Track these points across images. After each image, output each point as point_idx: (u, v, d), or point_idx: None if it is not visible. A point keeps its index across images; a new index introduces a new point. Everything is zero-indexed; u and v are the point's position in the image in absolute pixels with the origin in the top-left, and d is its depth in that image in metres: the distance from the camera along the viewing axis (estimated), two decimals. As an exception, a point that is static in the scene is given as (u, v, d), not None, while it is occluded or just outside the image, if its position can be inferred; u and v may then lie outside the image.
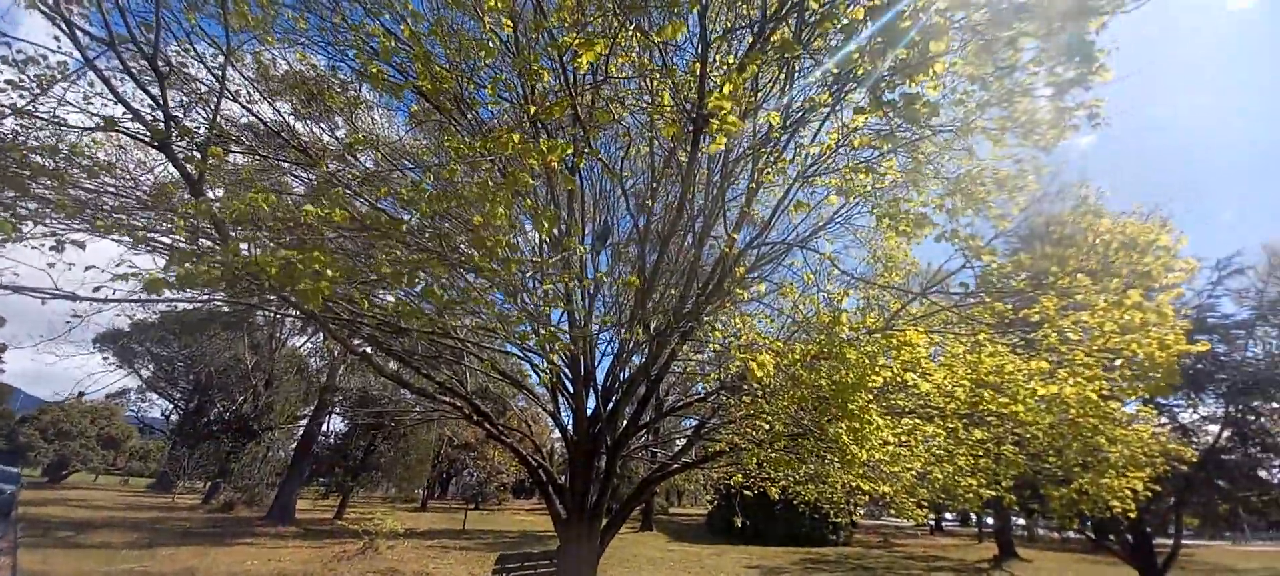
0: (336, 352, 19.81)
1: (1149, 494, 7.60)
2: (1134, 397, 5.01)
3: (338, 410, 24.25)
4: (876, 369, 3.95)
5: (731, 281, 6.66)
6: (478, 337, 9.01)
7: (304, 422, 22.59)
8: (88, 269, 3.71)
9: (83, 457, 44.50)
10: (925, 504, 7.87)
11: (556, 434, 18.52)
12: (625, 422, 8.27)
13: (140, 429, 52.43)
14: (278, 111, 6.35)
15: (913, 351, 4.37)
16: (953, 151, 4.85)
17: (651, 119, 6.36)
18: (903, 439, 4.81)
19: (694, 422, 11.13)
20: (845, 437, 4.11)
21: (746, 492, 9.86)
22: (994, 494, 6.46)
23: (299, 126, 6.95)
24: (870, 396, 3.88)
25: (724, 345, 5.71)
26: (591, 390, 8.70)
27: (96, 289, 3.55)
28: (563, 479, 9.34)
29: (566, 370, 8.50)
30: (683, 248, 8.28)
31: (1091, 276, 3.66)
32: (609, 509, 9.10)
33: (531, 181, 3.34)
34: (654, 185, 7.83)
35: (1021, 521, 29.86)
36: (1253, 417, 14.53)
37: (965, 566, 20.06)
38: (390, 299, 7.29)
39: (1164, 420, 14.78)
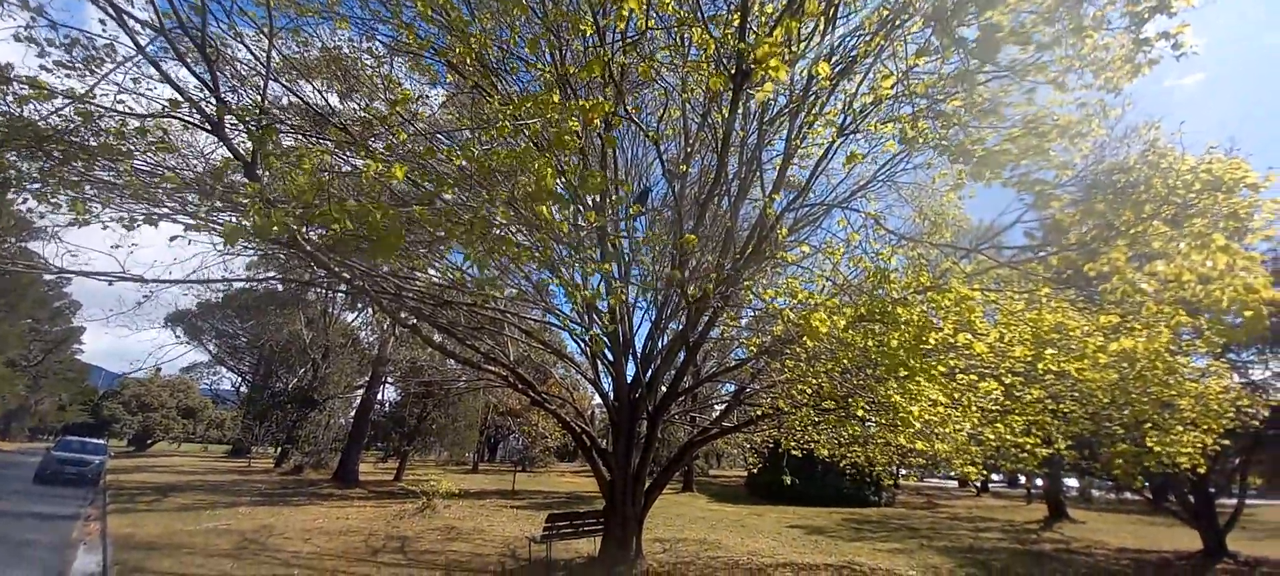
0: (386, 326, 20.69)
1: (1217, 449, 7.21)
2: (1207, 350, 4.66)
3: (390, 380, 25.43)
4: (929, 330, 3.81)
5: (770, 245, 6.53)
6: (518, 309, 9.22)
7: (360, 393, 23.86)
8: (147, 252, 3.95)
9: (164, 427, 48.51)
10: (978, 462, 7.71)
11: (598, 400, 18.98)
12: (665, 389, 8.38)
13: (214, 400, 56.94)
14: (318, 91, 6.48)
15: (967, 310, 4.19)
16: (1012, 97, 4.52)
17: (684, 80, 6.18)
18: (955, 398, 4.67)
19: (734, 388, 11.17)
20: (897, 398, 4.01)
21: (792, 454, 9.88)
22: (1050, 452, 6.25)
23: (339, 104, 7.08)
24: (923, 358, 3.76)
25: (762, 309, 5.61)
26: (630, 357, 8.82)
27: (164, 270, 3.77)
28: (605, 443, 9.61)
29: (606, 339, 8.62)
30: (719, 213, 8.13)
31: (1171, 223, 3.37)
32: (651, 471, 9.34)
33: (576, 141, 3.29)
34: (688, 149, 7.66)
35: (1073, 482, 28.89)
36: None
37: (1014, 527, 19.65)
38: (433, 273, 7.49)
39: (1235, 376, 13.85)
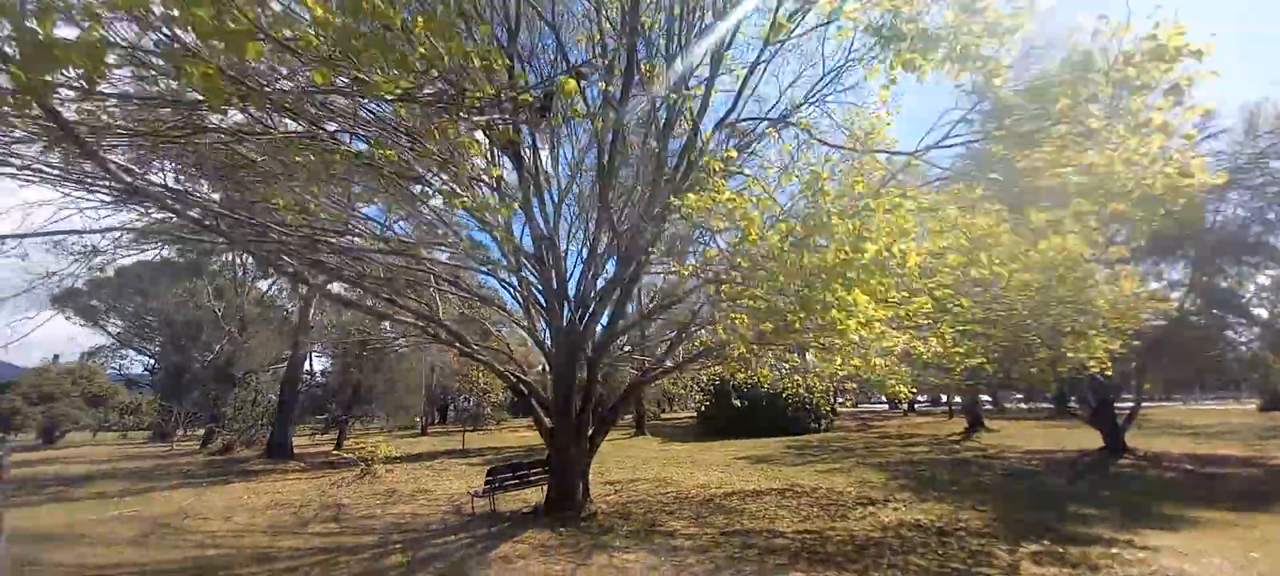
0: (304, 290, 19.15)
1: (1123, 352, 7.73)
2: (1139, 242, 4.66)
3: (318, 348, 23.93)
4: (865, 241, 3.59)
5: (701, 173, 6.16)
6: (431, 252, 8.50)
7: (284, 364, 22.32)
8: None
9: (72, 418, 44.26)
10: (908, 382, 7.95)
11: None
12: (602, 331, 8.07)
13: (127, 384, 52.16)
14: None
15: (900, 220, 4.01)
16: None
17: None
18: (891, 315, 4.58)
19: (676, 329, 11.05)
20: (835, 313, 3.82)
21: (738, 388, 9.96)
22: (978, 363, 6.46)
23: None
24: (859, 271, 3.55)
25: (698, 237, 5.29)
26: (566, 303, 8.40)
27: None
28: (546, 392, 9.29)
29: (537, 282, 8.13)
30: (644, 143, 7.65)
31: (1107, 106, 3.22)
32: (597, 414, 9.15)
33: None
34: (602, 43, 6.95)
35: (986, 398, 31.64)
36: (1221, 282, 14.91)
37: (939, 440, 21.30)
38: (325, 218, 6.63)
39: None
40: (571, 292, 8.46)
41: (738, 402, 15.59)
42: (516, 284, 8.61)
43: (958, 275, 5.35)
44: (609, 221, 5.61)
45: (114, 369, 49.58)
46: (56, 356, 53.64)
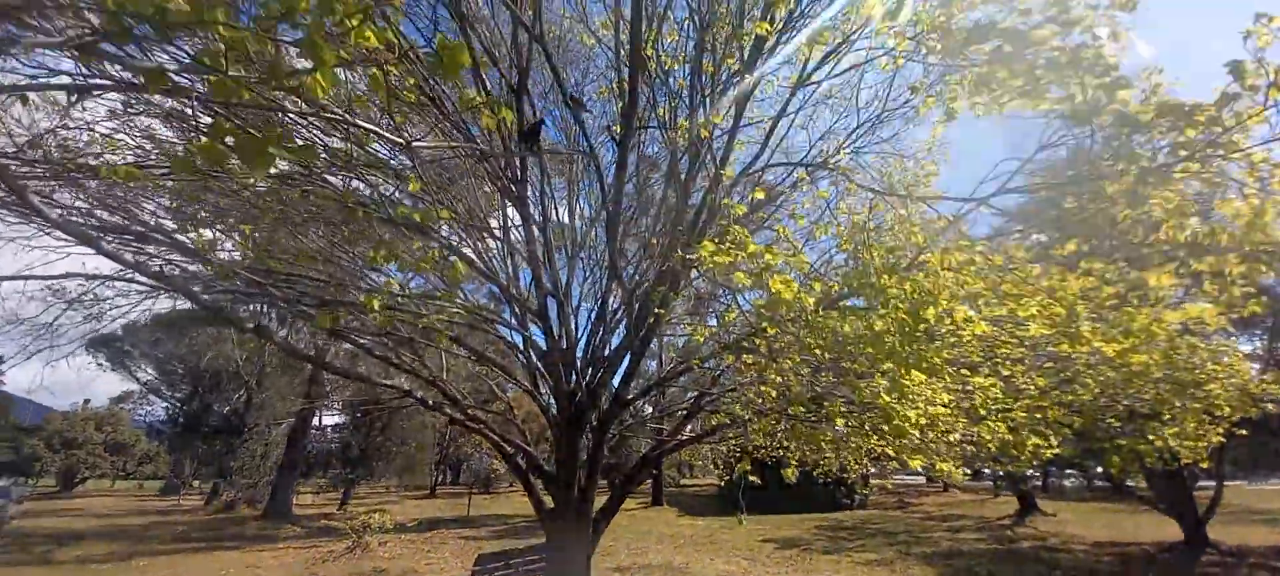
0: (320, 341, 18.86)
1: (1221, 440, 6.53)
2: (1227, 311, 3.76)
3: (332, 403, 23.45)
4: (926, 306, 2.82)
5: (722, 221, 5.52)
6: (457, 323, 7.95)
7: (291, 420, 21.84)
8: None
9: (91, 465, 44.29)
10: (959, 465, 6.84)
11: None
12: (610, 396, 7.24)
13: (147, 432, 52.30)
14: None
15: (970, 279, 3.23)
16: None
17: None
18: (952, 400, 3.70)
19: (694, 395, 10.12)
20: (885, 398, 3.00)
21: (762, 462, 8.89)
22: (1053, 453, 5.41)
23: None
24: (921, 345, 2.76)
25: (716, 291, 4.57)
26: (572, 367, 7.67)
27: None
28: (549, 465, 8.38)
29: (541, 341, 7.44)
30: (663, 195, 7.10)
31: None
32: (611, 487, 8.19)
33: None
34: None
35: (1033, 473, 28.95)
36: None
37: (988, 524, 19.26)
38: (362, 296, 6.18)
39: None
40: (579, 354, 7.73)
41: (756, 480, 14.26)
42: (521, 343, 7.93)
43: (1025, 348, 4.47)
44: (618, 275, 4.98)
45: (139, 416, 49.93)
46: (87, 400, 54.31)
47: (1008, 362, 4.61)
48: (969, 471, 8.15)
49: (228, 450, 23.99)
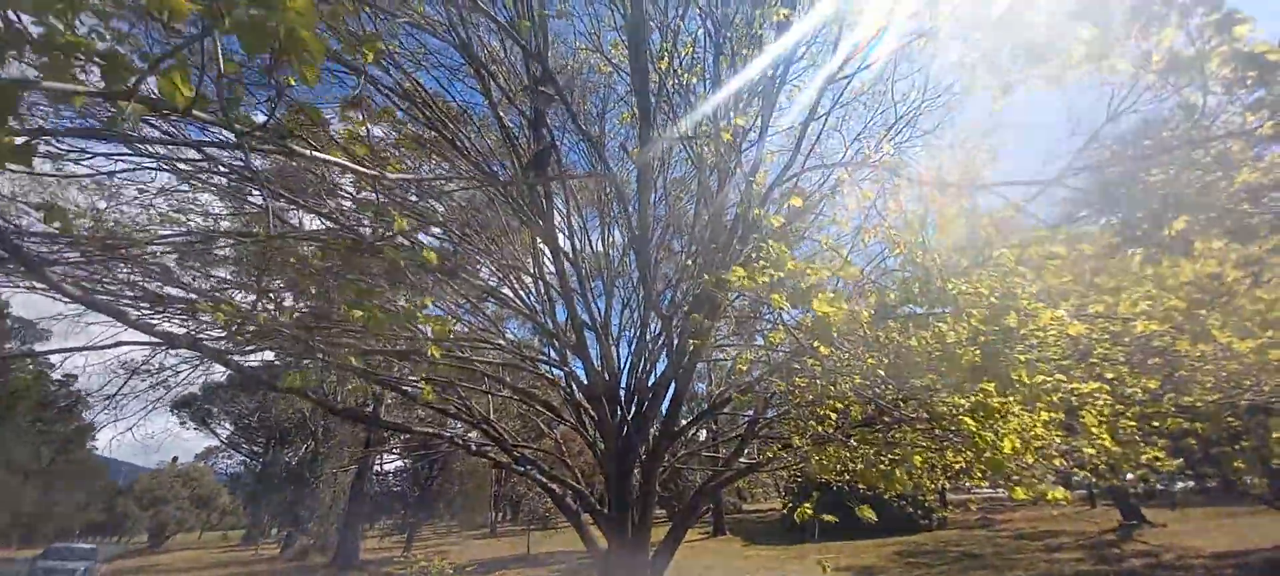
0: (377, 391, 19.44)
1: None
2: None
3: (391, 450, 24.07)
4: (1009, 311, 2.42)
5: (759, 236, 5.20)
6: (500, 366, 7.92)
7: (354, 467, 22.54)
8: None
9: (179, 520, 47.28)
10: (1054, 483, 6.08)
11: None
12: (657, 431, 6.92)
13: (228, 485, 55.61)
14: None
15: (1053, 276, 2.80)
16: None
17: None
18: (1050, 418, 3.18)
19: (749, 419, 9.63)
20: (970, 422, 2.58)
21: (828, 485, 8.26)
22: (1170, 465, 4.68)
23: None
24: (1011, 360, 2.35)
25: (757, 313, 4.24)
26: (616, 400, 7.42)
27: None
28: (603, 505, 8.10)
29: (582, 375, 7.25)
30: (696, 216, 6.87)
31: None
32: (673, 521, 7.81)
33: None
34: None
35: (1131, 476, 25.94)
36: None
37: (1088, 539, 17.36)
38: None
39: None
40: (623, 387, 7.48)
41: (831, 518, 13.45)
42: (564, 379, 7.78)
43: (1123, 346, 3.87)
44: (654, 302, 4.75)
45: (222, 470, 53.17)
46: (175, 458, 58.28)
47: (1109, 365, 4.02)
48: (1067, 492, 7.26)
49: (298, 498, 24.97)
